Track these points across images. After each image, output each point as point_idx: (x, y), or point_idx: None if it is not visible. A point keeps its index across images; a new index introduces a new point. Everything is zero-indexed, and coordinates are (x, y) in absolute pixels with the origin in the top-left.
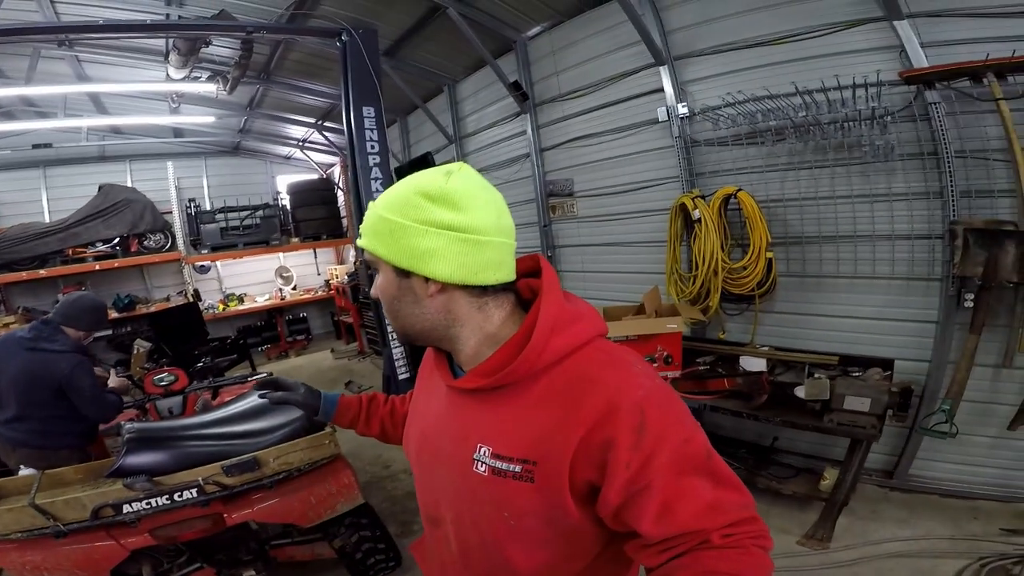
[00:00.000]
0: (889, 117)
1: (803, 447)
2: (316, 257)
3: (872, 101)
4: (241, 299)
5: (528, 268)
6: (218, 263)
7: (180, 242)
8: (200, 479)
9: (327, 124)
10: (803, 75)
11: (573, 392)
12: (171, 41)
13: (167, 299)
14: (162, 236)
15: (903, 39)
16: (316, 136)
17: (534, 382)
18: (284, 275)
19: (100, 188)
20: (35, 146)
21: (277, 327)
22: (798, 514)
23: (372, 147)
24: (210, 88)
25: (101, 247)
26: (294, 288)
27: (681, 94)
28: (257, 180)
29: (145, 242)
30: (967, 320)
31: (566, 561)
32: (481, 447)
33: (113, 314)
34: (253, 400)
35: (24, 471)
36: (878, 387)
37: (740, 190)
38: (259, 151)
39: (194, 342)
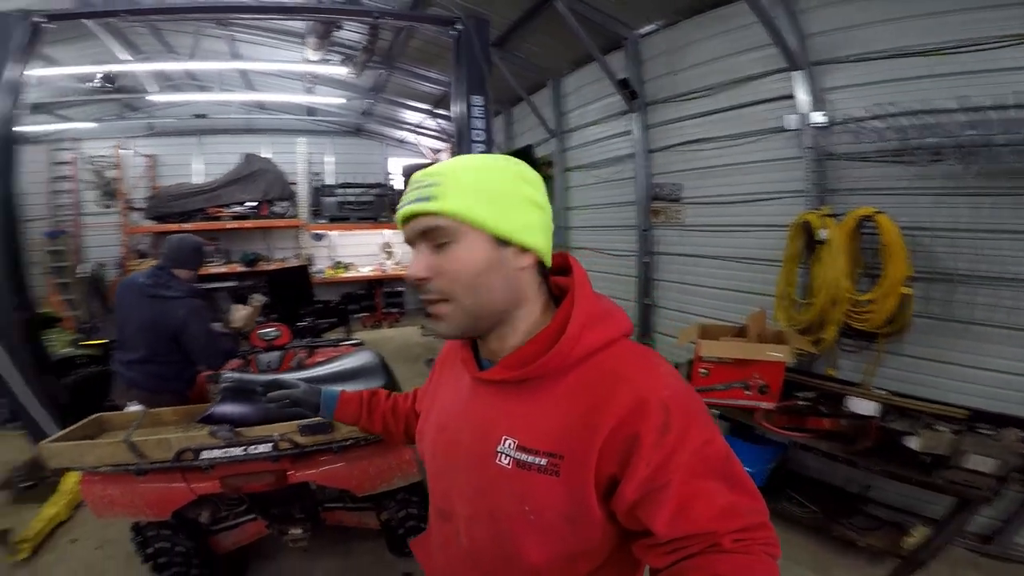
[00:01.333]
0: None
1: (894, 499)
2: None
3: None
4: (347, 268)
5: (556, 265)
6: (332, 233)
7: (302, 211)
8: (276, 435)
9: (438, 111)
10: (970, 90)
11: (602, 387)
12: (311, 24)
13: (283, 260)
14: (288, 204)
15: None
16: (428, 122)
17: (563, 376)
18: (388, 250)
19: (243, 157)
20: (195, 116)
21: (375, 298)
22: (866, 568)
23: (478, 135)
24: (341, 71)
25: (237, 209)
26: (396, 263)
27: (819, 102)
28: (373, 160)
29: (273, 208)
30: None
31: (577, 561)
32: (506, 439)
33: (239, 268)
34: (341, 365)
35: (131, 407)
36: (1011, 448)
37: (880, 212)
38: (378, 133)
39: (301, 302)
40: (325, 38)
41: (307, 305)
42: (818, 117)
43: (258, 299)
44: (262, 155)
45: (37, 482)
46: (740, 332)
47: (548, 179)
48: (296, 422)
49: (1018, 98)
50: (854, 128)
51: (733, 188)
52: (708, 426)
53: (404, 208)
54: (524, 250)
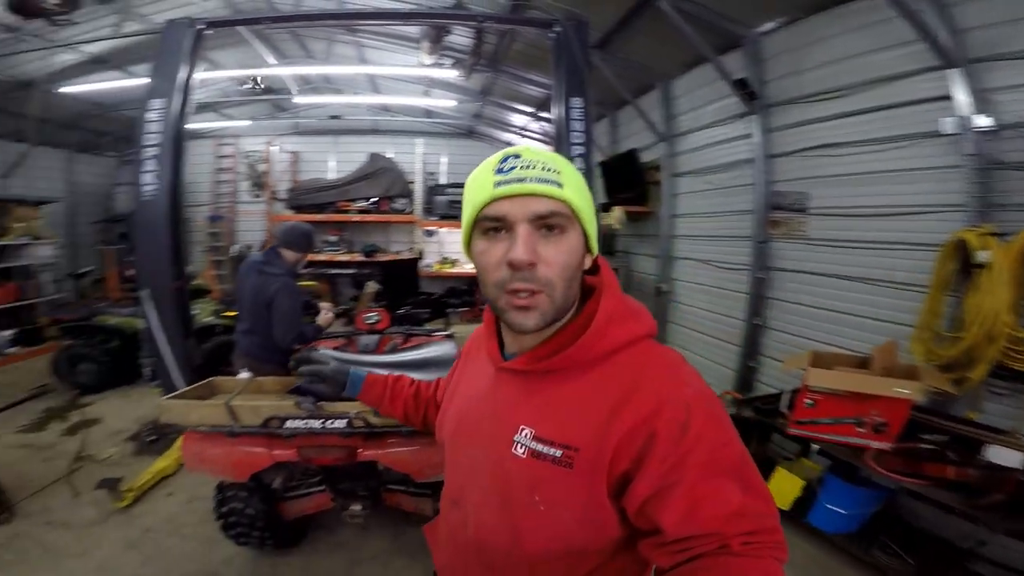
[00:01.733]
0: None
1: (1015, 559)
2: None
3: None
4: (453, 263)
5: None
6: (442, 230)
7: (417, 208)
8: (352, 412)
9: (542, 114)
10: None
11: (624, 384)
12: (422, 29)
13: (398, 253)
14: (406, 201)
15: None
16: (533, 125)
17: (585, 370)
18: (476, 268)
19: (369, 156)
20: (331, 117)
21: (475, 294)
22: None
23: (577, 138)
24: (451, 74)
25: (362, 203)
26: None
27: (982, 104)
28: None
29: (393, 204)
30: None
31: (582, 556)
32: (524, 429)
33: (359, 257)
34: (421, 353)
35: (241, 375)
36: None
37: None
38: (487, 135)
39: (409, 292)
40: (437, 42)
41: (413, 295)
42: (982, 120)
43: (372, 286)
44: (385, 155)
45: (160, 437)
46: (862, 363)
47: (654, 184)
48: None
49: None
50: None
51: (870, 199)
52: (727, 428)
53: (529, 184)
54: (587, 253)
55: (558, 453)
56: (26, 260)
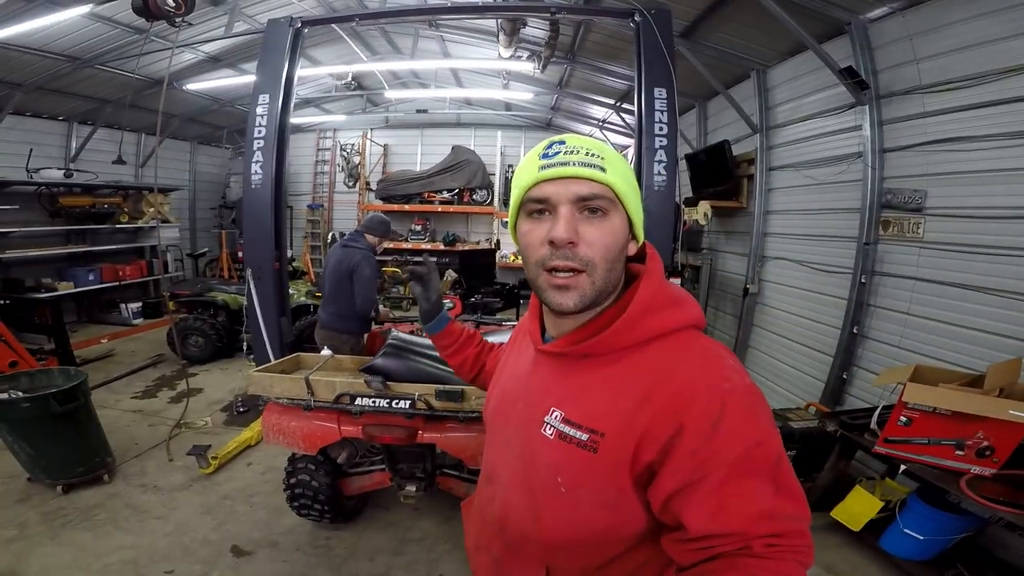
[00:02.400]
0: None
1: None
2: None
3: None
4: None
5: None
6: None
7: (496, 199)
8: (416, 394)
9: (624, 106)
10: None
11: (656, 373)
12: (499, 22)
13: (477, 243)
14: (486, 192)
15: None
16: (614, 117)
17: (620, 357)
18: (519, 248)
19: (452, 148)
20: (418, 111)
21: None
22: None
23: (660, 129)
24: (528, 67)
25: (445, 194)
26: None
27: None
28: None
29: (474, 196)
30: None
31: (600, 547)
32: (554, 411)
33: (440, 246)
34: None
35: (324, 352)
36: None
37: None
38: (566, 128)
39: (484, 281)
40: (513, 35)
41: (488, 284)
42: None
43: (451, 275)
44: (468, 147)
45: (249, 409)
46: (974, 382)
47: (748, 178)
48: (435, 386)
49: None
50: None
51: (998, 199)
52: (767, 426)
53: (572, 168)
54: (632, 239)
55: (584, 436)
56: (154, 241)
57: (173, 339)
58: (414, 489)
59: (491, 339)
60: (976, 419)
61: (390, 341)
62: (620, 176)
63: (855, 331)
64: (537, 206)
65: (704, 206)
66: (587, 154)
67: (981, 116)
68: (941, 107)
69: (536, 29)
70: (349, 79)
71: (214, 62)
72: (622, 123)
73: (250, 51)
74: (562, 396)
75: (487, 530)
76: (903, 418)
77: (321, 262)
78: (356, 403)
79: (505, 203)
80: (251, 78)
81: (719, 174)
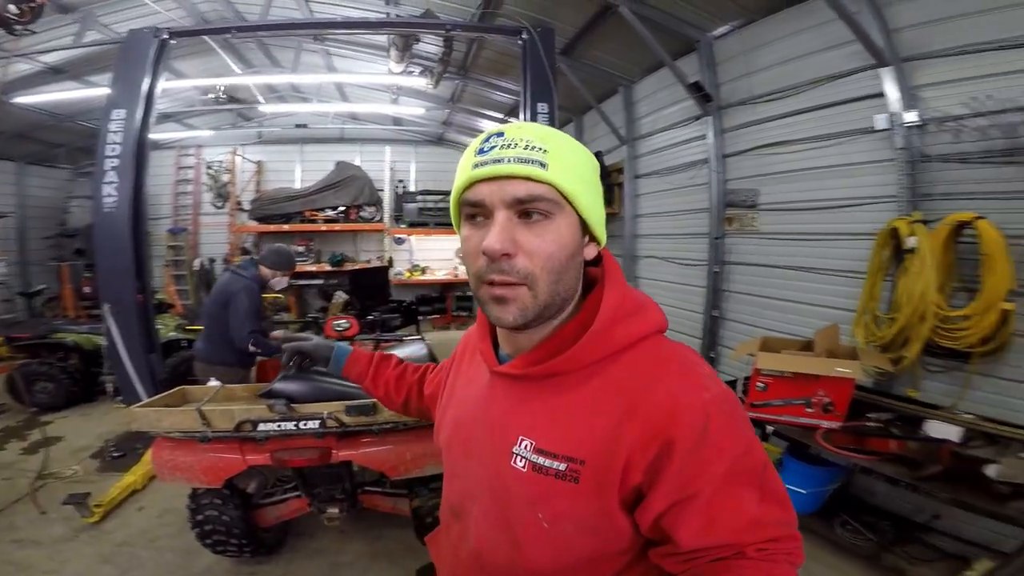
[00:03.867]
0: None
1: (967, 531)
2: None
3: None
4: (423, 271)
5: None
6: (412, 237)
7: (386, 216)
8: (325, 413)
9: (511, 119)
10: None
11: (634, 387)
12: (390, 38)
13: (368, 262)
14: (374, 209)
15: None
16: None
17: (589, 373)
18: (462, 256)
19: (336, 164)
20: (297, 125)
21: (446, 301)
22: None
23: None
24: (420, 82)
25: (329, 212)
26: None
27: (910, 100)
28: (453, 169)
29: (361, 213)
30: None
31: (589, 570)
32: (523, 440)
33: (326, 267)
34: (397, 354)
35: (212, 383)
36: None
37: (981, 218)
38: (457, 142)
39: (379, 300)
40: (406, 51)
41: (383, 303)
42: (911, 116)
43: (340, 296)
44: (353, 163)
45: (126, 453)
46: (806, 347)
47: (619, 186)
48: (343, 402)
49: None
50: (953, 127)
51: (814, 194)
52: (748, 433)
53: (506, 166)
54: (592, 241)
55: (562, 467)
56: None
57: (15, 386)
58: (337, 511)
59: (397, 352)
60: (814, 378)
61: (288, 348)
62: (567, 171)
63: (715, 314)
64: (473, 210)
65: None
66: (526, 147)
67: (797, 122)
68: (768, 115)
69: (430, 45)
70: (220, 93)
71: (55, 73)
72: None
73: (101, 62)
74: (530, 423)
75: (463, 567)
76: (760, 384)
77: (185, 293)
78: (260, 429)
79: (396, 219)
80: (100, 91)
81: None
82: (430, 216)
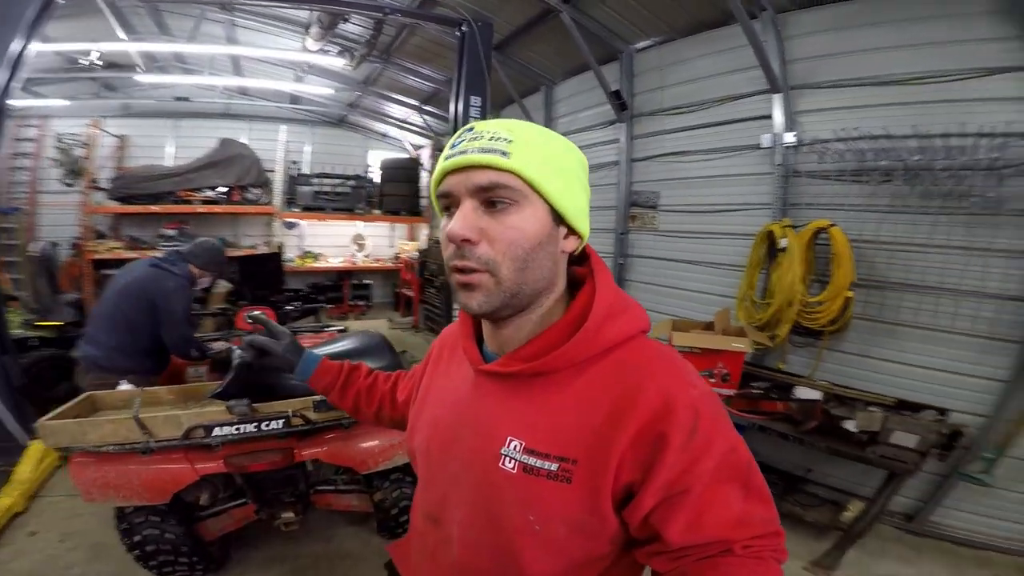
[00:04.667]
0: (1009, 169)
1: (834, 481)
2: (393, 231)
3: (995, 152)
4: (316, 258)
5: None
6: (305, 222)
7: (277, 198)
8: (290, 411)
9: (427, 108)
10: (925, 118)
11: (625, 385)
12: (316, 14)
13: (254, 247)
14: (262, 191)
15: None
16: (414, 118)
17: (579, 371)
18: (359, 242)
19: (219, 141)
20: (178, 98)
21: (342, 289)
22: (812, 542)
23: None
24: (338, 62)
25: (209, 193)
26: (366, 256)
27: (791, 123)
28: (353, 152)
29: (246, 194)
30: None
31: (579, 572)
32: (512, 441)
33: None
34: (347, 344)
35: (123, 386)
36: (928, 426)
37: (833, 225)
38: (360, 126)
39: (271, 289)
40: (330, 29)
41: (278, 292)
42: (789, 137)
43: (222, 285)
44: (242, 141)
45: None
46: (708, 327)
47: None
48: (311, 398)
49: (965, 128)
50: (820, 149)
51: (706, 198)
52: (733, 431)
53: (470, 156)
54: (571, 233)
55: (554, 467)
56: None
57: None
58: (292, 515)
59: (346, 341)
60: (715, 352)
61: (239, 362)
62: (533, 160)
63: None
64: (446, 201)
65: None
66: (491, 139)
67: (698, 135)
68: (674, 126)
69: (356, 26)
70: (94, 59)
71: None
72: (422, 124)
73: None
74: (519, 423)
75: (444, 575)
76: None
77: (19, 283)
78: (215, 434)
79: (288, 202)
80: None
81: None
82: (326, 200)
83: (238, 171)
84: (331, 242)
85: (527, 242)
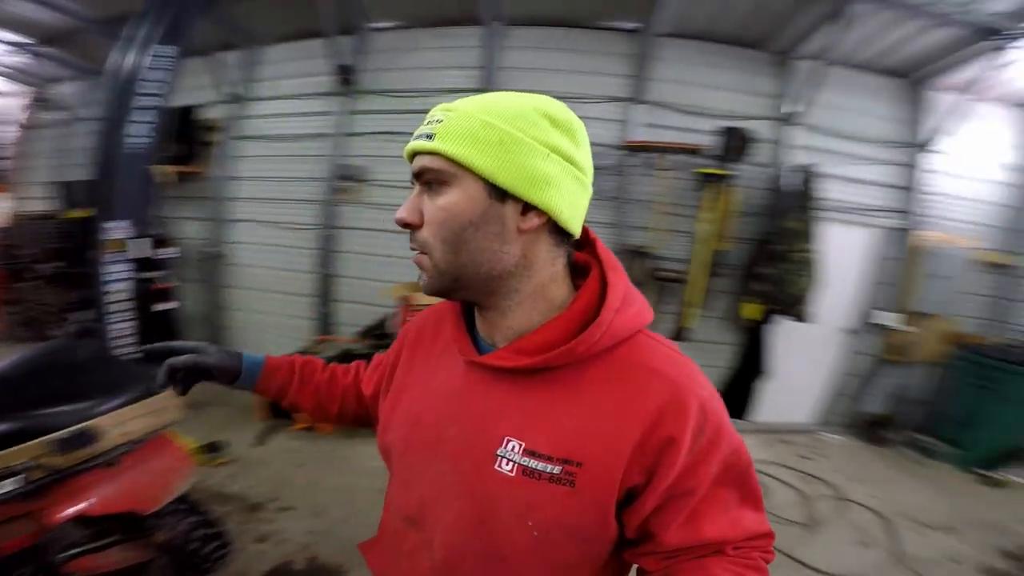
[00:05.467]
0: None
1: None
2: None
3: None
4: None
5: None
6: None
7: None
8: (25, 459)
9: (41, 49)
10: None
11: (634, 383)
12: None
13: None
14: None
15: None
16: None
17: (584, 368)
18: None
19: None
20: None
21: None
22: None
23: (153, 89)
24: None
25: None
26: None
27: None
28: None
29: None
30: None
31: (575, 572)
32: (510, 441)
33: None
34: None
35: None
36: None
37: None
38: None
39: None
40: None
41: None
42: None
43: None
44: None
45: None
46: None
47: (210, 145)
48: (43, 438)
49: (595, 139)
50: None
51: (405, 176)
52: (735, 433)
53: (411, 143)
54: (531, 208)
55: (556, 470)
56: None
57: None
58: None
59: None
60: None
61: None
62: (460, 136)
63: (327, 273)
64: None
65: (166, 170)
66: (427, 123)
67: (408, 118)
68: (392, 108)
69: None
70: None
71: None
72: (11, 66)
73: None
74: (518, 422)
75: None
76: (409, 318)
77: None
78: None
79: None
80: None
81: (181, 138)
82: None
83: None
84: None
85: (455, 221)
